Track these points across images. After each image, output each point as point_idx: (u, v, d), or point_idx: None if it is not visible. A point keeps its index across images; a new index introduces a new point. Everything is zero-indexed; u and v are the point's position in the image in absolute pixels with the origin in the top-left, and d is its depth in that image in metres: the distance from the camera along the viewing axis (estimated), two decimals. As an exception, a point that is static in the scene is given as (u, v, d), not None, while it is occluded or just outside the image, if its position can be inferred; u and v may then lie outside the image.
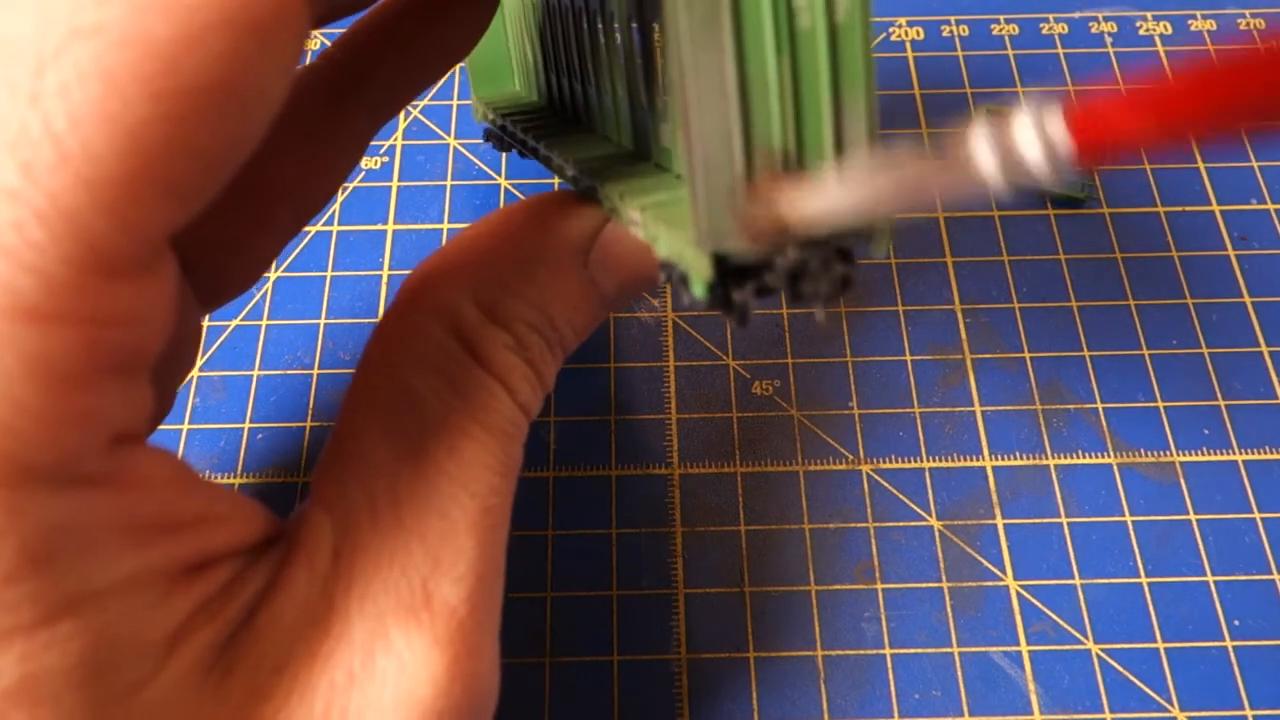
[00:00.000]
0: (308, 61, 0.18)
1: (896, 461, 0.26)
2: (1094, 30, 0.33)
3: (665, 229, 0.12)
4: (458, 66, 0.32)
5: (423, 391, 0.14)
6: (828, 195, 0.11)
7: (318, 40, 0.32)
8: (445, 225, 0.29)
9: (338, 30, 0.20)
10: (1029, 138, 0.09)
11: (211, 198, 0.10)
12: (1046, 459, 0.26)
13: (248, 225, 0.18)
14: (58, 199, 0.09)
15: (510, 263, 0.14)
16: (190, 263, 0.17)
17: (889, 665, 0.23)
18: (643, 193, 0.14)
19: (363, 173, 0.30)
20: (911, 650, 0.23)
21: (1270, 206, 0.29)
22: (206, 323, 0.28)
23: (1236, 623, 0.23)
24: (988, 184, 0.09)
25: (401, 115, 0.31)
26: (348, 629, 0.13)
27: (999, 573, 0.24)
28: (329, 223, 0.29)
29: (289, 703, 0.12)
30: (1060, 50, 0.32)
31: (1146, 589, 0.24)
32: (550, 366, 0.15)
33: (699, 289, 0.12)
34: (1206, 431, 0.26)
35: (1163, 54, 0.32)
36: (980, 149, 0.09)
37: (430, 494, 0.13)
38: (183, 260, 0.17)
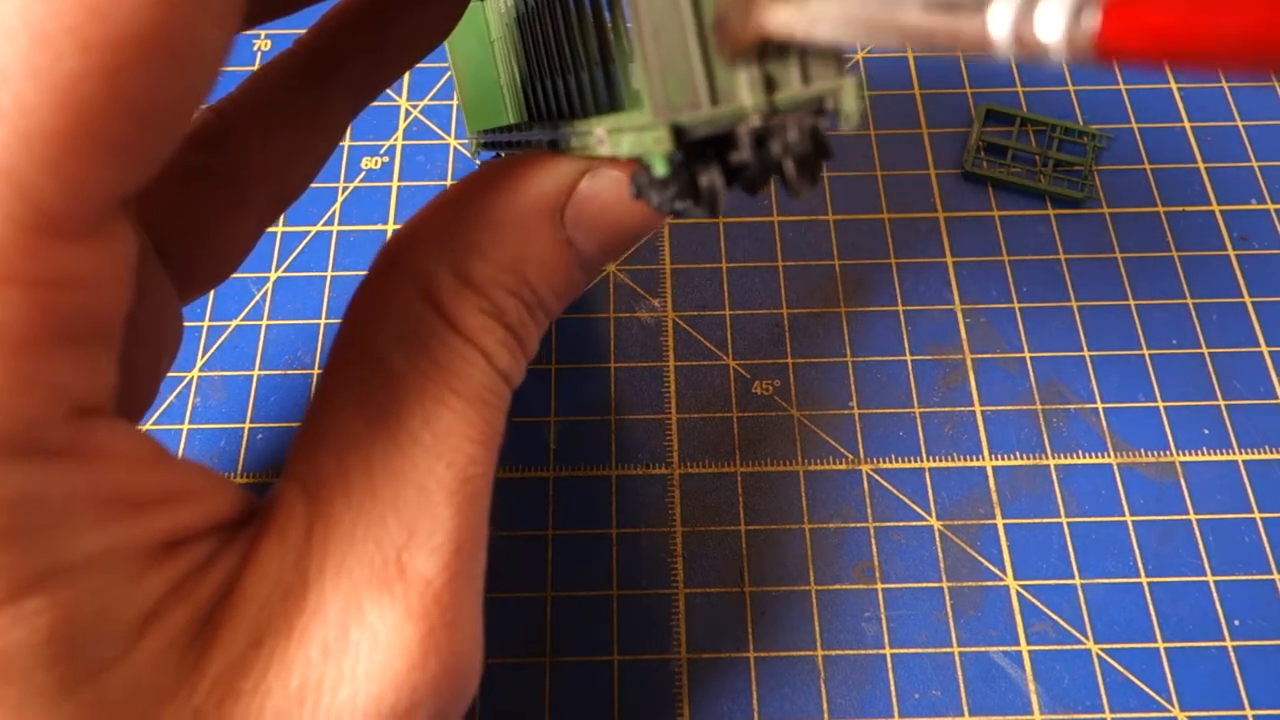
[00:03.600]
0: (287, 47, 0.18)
1: (896, 461, 0.26)
2: (1094, 30, 0.33)
3: (627, 128, 0.12)
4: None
5: (396, 360, 0.13)
6: (819, 10, 0.10)
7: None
8: (445, 225, 0.29)
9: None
10: (1055, 10, 0.08)
11: (160, 159, 0.10)
12: (1046, 459, 0.26)
13: (223, 209, 0.18)
14: None
15: (483, 226, 0.14)
16: (166, 249, 0.17)
17: (889, 665, 0.23)
18: (610, 119, 0.14)
19: (363, 173, 0.30)
20: (911, 650, 0.23)
21: (1270, 206, 0.29)
22: (206, 323, 0.28)
23: (1236, 623, 0.23)
24: (996, 50, 0.08)
25: (402, 115, 0.31)
26: (322, 603, 0.12)
27: (999, 573, 0.24)
28: (329, 223, 0.29)
29: (266, 678, 0.12)
30: (1060, 50, 0.32)
31: (1146, 589, 0.24)
32: (531, 331, 0.15)
33: (660, 166, 0.11)
34: (1206, 431, 0.26)
35: (1163, 54, 0.32)
36: (999, 10, 0.08)
37: (405, 465, 0.13)
38: (158, 247, 0.17)
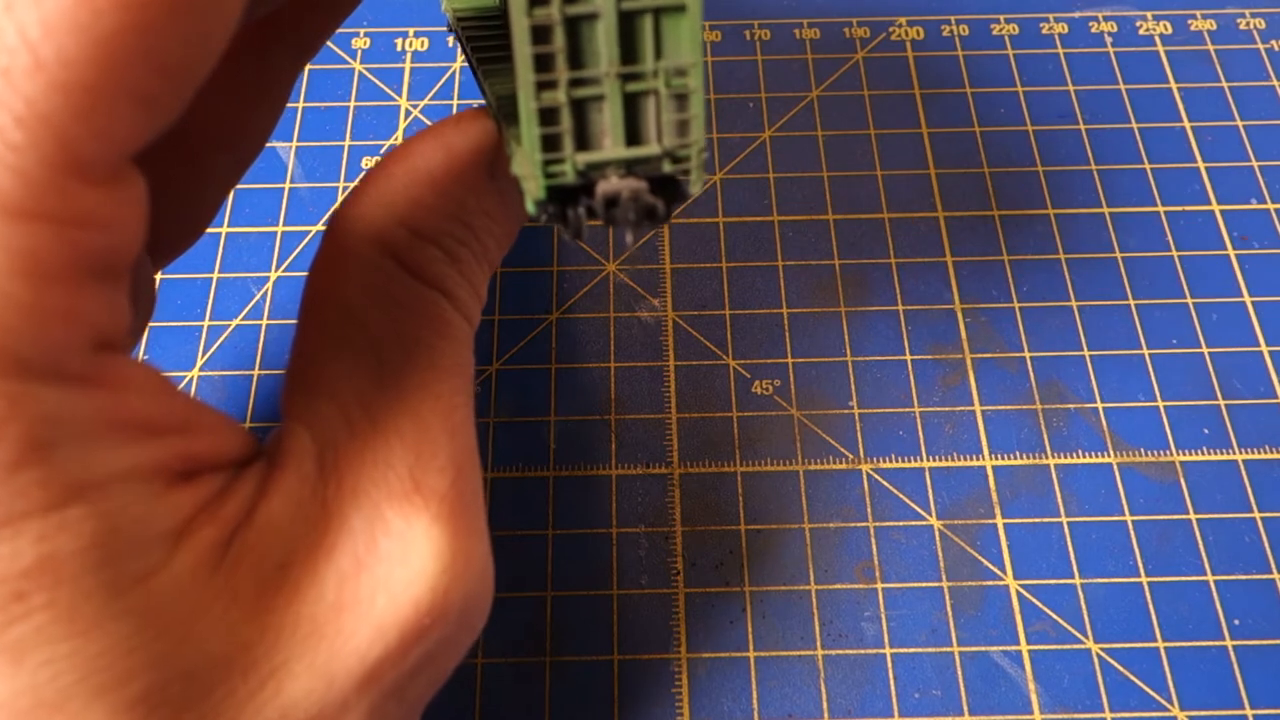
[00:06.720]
0: None
1: (896, 461, 0.26)
2: (1094, 30, 0.33)
3: (517, 151, 0.13)
4: (457, 64, 0.32)
5: (371, 311, 0.14)
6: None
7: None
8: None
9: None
10: None
11: (175, 113, 0.11)
12: (1046, 459, 0.26)
13: (188, 173, 0.19)
14: (34, 103, 0.10)
15: (426, 185, 0.15)
16: None
17: (889, 664, 0.23)
18: (510, 130, 0.15)
19: (363, 172, 0.30)
20: (911, 650, 0.23)
21: (1270, 206, 0.29)
22: (206, 323, 0.28)
23: (1236, 622, 0.23)
24: None
25: (402, 115, 0.31)
26: (345, 522, 0.13)
27: (999, 572, 0.24)
28: (329, 221, 0.29)
29: (299, 594, 0.13)
30: (1060, 50, 0.32)
31: (1146, 588, 0.24)
32: (480, 276, 0.16)
33: (530, 207, 0.13)
34: (1206, 431, 0.26)
35: (1163, 54, 0.32)
36: None
37: (397, 400, 0.14)
38: None
